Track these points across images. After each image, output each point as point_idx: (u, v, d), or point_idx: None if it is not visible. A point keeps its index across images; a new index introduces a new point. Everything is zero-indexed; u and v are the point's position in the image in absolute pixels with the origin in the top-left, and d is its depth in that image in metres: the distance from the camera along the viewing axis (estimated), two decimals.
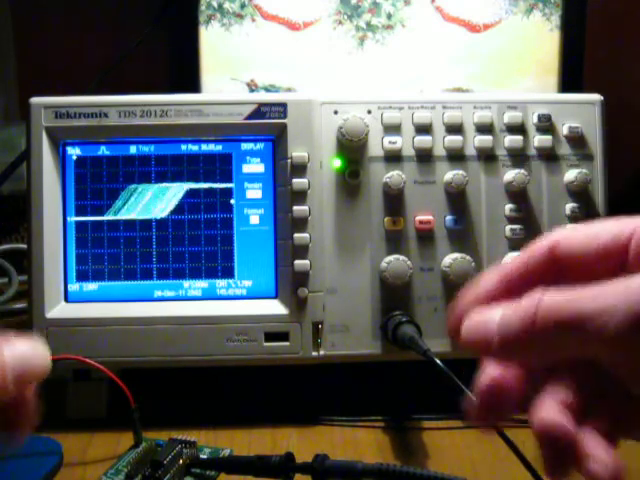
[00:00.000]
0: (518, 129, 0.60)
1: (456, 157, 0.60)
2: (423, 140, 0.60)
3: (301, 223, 0.59)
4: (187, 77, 0.86)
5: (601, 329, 0.28)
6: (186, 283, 0.60)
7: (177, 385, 0.65)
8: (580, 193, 0.60)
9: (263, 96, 0.75)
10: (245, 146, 0.60)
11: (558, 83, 0.85)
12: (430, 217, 0.60)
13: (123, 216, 0.60)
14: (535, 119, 0.60)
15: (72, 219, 0.60)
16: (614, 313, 0.28)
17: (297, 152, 0.59)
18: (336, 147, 0.60)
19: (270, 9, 0.84)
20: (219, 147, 0.60)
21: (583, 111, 0.61)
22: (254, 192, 0.60)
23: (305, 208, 0.59)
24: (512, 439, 0.48)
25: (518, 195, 0.60)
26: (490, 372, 0.34)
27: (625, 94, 0.99)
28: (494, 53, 0.85)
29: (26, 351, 0.36)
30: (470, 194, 0.60)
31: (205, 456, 0.53)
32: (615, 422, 0.31)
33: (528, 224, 0.60)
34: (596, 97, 0.61)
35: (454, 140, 0.60)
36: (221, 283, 0.60)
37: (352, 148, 0.60)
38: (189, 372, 0.62)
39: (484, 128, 0.60)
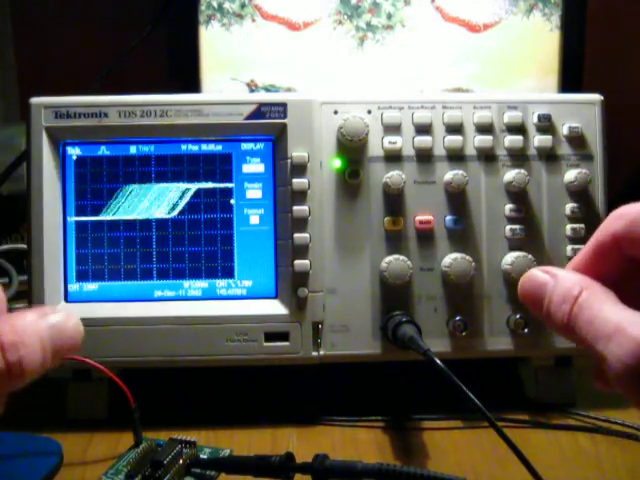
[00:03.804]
0: (518, 129, 0.60)
1: (456, 157, 0.60)
2: (423, 140, 0.60)
3: (301, 223, 0.59)
4: (187, 77, 0.86)
5: (606, 368, 0.30)
6: (186, 283, 0.60)
7: (177, 385, 0.65)
8: (580, 193, 0.60)
9: (263, 96, 0.75)
10: (245, 146, 0.60)
11: (558, 83, 0.85)
12: (430, 217, 0.60)
13: (123, 216, 0.60)
14: (535, 119, 0.60)
15: (72, 219, 0.60)
16: (611, 365, 0.29)
17: (297, 152, 0.59)
18: (336, 147, 0.60)
19: (270, 9, 0.84)
20: (219, 147, 0.60)
21: (583, 111, 0.61)
22: (254, 192, 0.60)
23: (305, 208, 0.59)
24: (512, 439, 0.47)
25: (518, 195, 0.60)
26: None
27: (625, 94, 0.99)
28: (494, 53, 0.85)
29: (62, 324, 0.36)
30: (470, 194, 0.60)
31: (205, 456, 0.53)
32: None
33: (528, 224, 0.60)
34: (596, 97, 0.61)
35: (454, 140, 0.60)
36: (221, 283, 0.60)
37: (352, 148, 0.60)
38: (189, 372, 0.62)
39: (484, 128, 0.60)
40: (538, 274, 0.35)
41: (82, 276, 0.60)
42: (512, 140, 0.60)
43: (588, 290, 0.32)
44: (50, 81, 0.96)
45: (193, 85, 0.85)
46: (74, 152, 0.60)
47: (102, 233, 0.60)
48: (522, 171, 0.59)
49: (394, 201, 0.60)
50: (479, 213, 0.60)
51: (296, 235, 0.59)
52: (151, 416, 0.55)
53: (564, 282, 0.33)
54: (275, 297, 0.60)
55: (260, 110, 0.59)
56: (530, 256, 0.58)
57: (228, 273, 0.60)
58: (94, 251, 0.60)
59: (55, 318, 0.36)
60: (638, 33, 1.02)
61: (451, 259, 0.58)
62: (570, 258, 0.59)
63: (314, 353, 0.59)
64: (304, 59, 0.85)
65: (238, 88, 0.85)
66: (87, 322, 0.57)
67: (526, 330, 0.59)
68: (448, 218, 0.60)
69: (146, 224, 0.60)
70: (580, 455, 0.54)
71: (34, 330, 0.34)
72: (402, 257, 0.58)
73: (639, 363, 0.28)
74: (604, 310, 0.31)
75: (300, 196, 0.59)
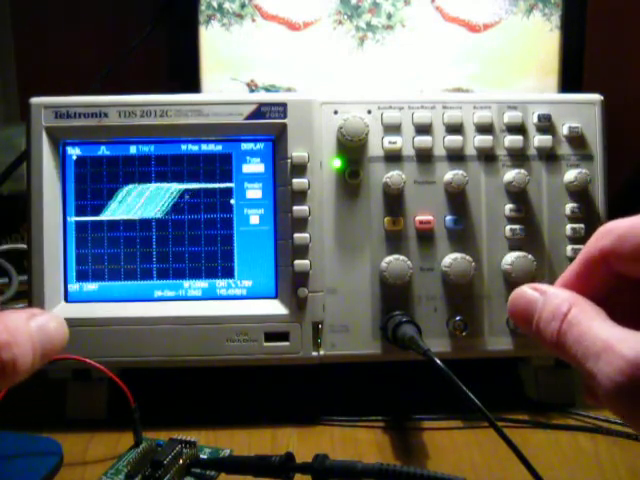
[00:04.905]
0: (518, 129, 0.60)
1: (456, 157, 0.60)
2: (423, 140, 0.60)
3: (301, 223, 0.59)
4: (187, 77, 0.86)
5: (595, 386, 0.29)
6: (186, 283, 0.60)
7: (177, 385, 0.65)
8: (580, 193, 0.60)
9: (263, 96, 0.75)
10: (245, 146, 0.60)
11: (558, 83, 0.85)
12: (430, 217, 0.60)
13: (123, 216, 0.60)
14: (535, 119, 0.60)
15: (72, 219, 0.60)
16: (600, 383, 0.29)
17: (297, 152, 0.59)
18: (336, 147, 0.60)
19: (270, 9, 0.84)
20: (219, 147, 0.60)
21: (583, 111, 0.61)
22: (254, 192, 0.60)
23: (305, 208, 0.59)
24: (512, 439, 0.47)
25: (518, 195, 0.60)
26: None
27: (625, 94, 0.99)
28: (494, 53, 0.85)
29: (50, 326, 0.36)
30: (470, 194, 0.60)
31: (205, 456, 0.53)
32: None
33: (528, 224, 0.60)
34: (596, 97, 0.61)
35: (454, 140, 0.60)
36: (221, 283, 0.60)
37: (352, 148, 0.60)
38: (189, 372, 0.62)
39: (484, 128, 0.60)
40: (527, 291, 0.35)
41: (82, 276, 0.60)
42: (512, 140, 0.60)
43: (577, 307, 0.32)
44: (50, 81, 0.96)
45: (193, 85, 0.85)
46: (74, 152, 0.60)
47: (102, 233, 0.60)
48: (522, 171, 0.59)
49: (394, 201, 0.60)
50: (479, 213, 0.60)
51: (296, 235, 0.59)
52: (151, 416, 0.55)
53: (553, 299, 0.33)
54: (275, 297, 0.60)
55: (260, 110, 0.59)
56: (530, 256, 0.58)
57: (228, 273, 0.60)
58: (94, 251, 0.60)
59: (42, 319, 0.36)
60: (638, 33, 1.02)
61: (451, 259, 0.58)
62: (570, 258, 0.59)
63: (314, 353, 0.59)
64: (304, 59, 0.85)
65: (238, 88, 0.85)
66: (87, 322, 0.58)
67: None
68: (448, 218, 0.60)
69: (146, 224, 0.60)
70: (580, 455, 0.54)
71: (25, 330, 0.35)
72: (402, 257, 0.58)
73: (628, 381, 0.28)
74: (593, 327, 0.30)
75: (300, 196, 0.59)
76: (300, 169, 0.59)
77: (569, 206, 0.60)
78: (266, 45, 0.84)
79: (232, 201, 0.60)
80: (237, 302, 0.60)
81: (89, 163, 0.60)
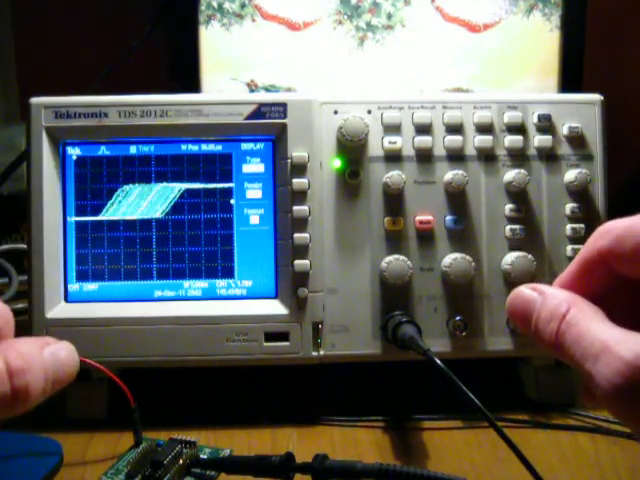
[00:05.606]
0: (518, 129, 0.60)
1: (456, 157, 0.60)
2: (423, 140, 0.60)
3: (301, 223, 0.59)
4: (187, 77, 0.86)
5: (594, 387, 0.29)
6: (186, 283, 0.60)
7: (177, 385, 0.65)
8: (580, 193, 0.60)
9: (263, 96, 0.75)
10: (245, 146, 0.60)
11: (558, 83, 0.85)
12: (430, 217, 0.60)
13: (123, 216, 0.60)
14: (535, 119, 0.60)
15: (72, 219, 0.60)
16: (599, 384, 0.29)
17: (297, 152, 0.59)
18: (336, 147, 0.60)
19: (270, 9, 0.84)
20: (219, 147, 0.60)
21: (583, 111, 0.61)
22: (254, 192, 0.60)
23: (305, 208, 0.59)
24: (512, 439, 0.47)
25: (518, 195, 0.60)
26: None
27: (625, 94, 0.99)
28: (494, 53, 0.85)
29: (62, 355, 0.37)
30: (470, 194, 0.60)
31: (205, 456, 0.53)
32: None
33: (528, 224, 0.60)
34: (596, 97, 0.61)
35: (454, 140, 0.60)
36: (221, 283, 0.60)
37: (352, 148, 0.60)
38: (189, 372, 0.62)
39: (484, 128, 0.60)
40: (525, 291, 0.34)
41: (82, 276, 0.60)
42: (512, 140, 0.60)
43: (576, 307, 0.32)
44: (50, 81, 0.96)
45: (193, 85, 0.85)
46: (74, 152, 0.60)
47: (102, 233, 0.60)
48: (522, 171, 0.59)
49: (394, 201, 0.60)
50: (479, 213, 0.60)
51: (296, 235, 0.59)
52: (151, 416, 0.55)
53: (552, 299, 0.33)
54: (275, 297, 0.60)
55: (260, 110, 0.59)
56: (530, 256, 0.58)
57: (228, 273, 0.60)
58: (94, 251, 0.60)
59: (55, 347, 0.36)
60: (638, 33, 1.02)
61: (451, 259, 0.58)
62: (570, 258, 0.59)
63: (314, 353, 0.59)
64: (304, 59, 0.85)
65: (238, 88, 0.85)
66: (87, 322, 0.58)
67: None
68: (448, 218, 0.60)
69: (146, 224, 0.60)
70: (580, 455, 0.54)
71: (38, 357, 0.35)
72: (402, 257, 0.58)
73: (625, 383, 0.28)
74: (592, 328, 0.30)
75: (300, 196, 0.59)
76: (300, 169, 0.59)
77: (569, 206, 0.60)
78: (266, 45, 0.84)
79: (232, 201, 0.60)
80: (237, 302, 0.60)
81: (89, 163, 0.60)
